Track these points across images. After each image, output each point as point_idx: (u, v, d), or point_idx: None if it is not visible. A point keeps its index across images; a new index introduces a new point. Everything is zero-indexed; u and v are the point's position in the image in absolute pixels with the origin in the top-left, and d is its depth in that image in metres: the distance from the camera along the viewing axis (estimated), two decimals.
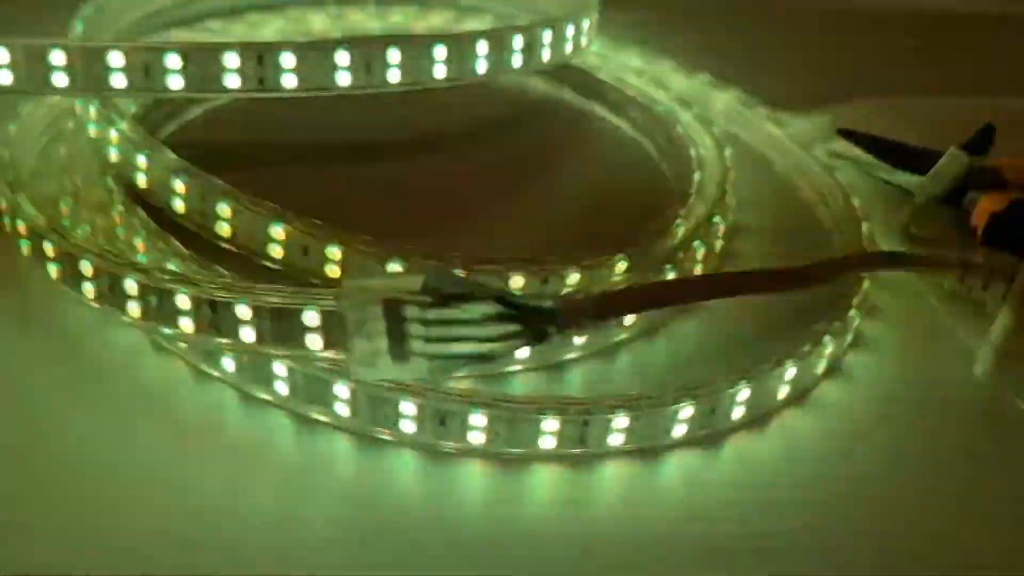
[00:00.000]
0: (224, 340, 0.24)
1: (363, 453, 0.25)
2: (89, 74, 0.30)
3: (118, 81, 0.30)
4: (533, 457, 0.25)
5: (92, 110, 0.32)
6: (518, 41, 0.36)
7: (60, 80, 0.30)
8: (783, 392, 0.27)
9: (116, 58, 0.30)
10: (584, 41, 0.40)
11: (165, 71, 0.30)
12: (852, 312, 0.29)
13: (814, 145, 0.39)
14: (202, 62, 0.31)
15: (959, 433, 0.27)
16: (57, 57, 0.30)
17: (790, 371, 0.27)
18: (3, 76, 0.30)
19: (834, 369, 0.29)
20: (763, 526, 0.24)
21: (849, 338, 0.30)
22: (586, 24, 0.40)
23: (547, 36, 0.37)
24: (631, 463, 0.25)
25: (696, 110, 0.41)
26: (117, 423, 0.25)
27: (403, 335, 0.22)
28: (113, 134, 0.31)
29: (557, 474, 0.25)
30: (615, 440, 0.25)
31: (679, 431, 0.25)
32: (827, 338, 0.28)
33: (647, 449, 0.25)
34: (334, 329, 0.23)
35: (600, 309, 0.24)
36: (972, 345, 0.29)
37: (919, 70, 0.50)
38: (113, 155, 0.31)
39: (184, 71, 0.30)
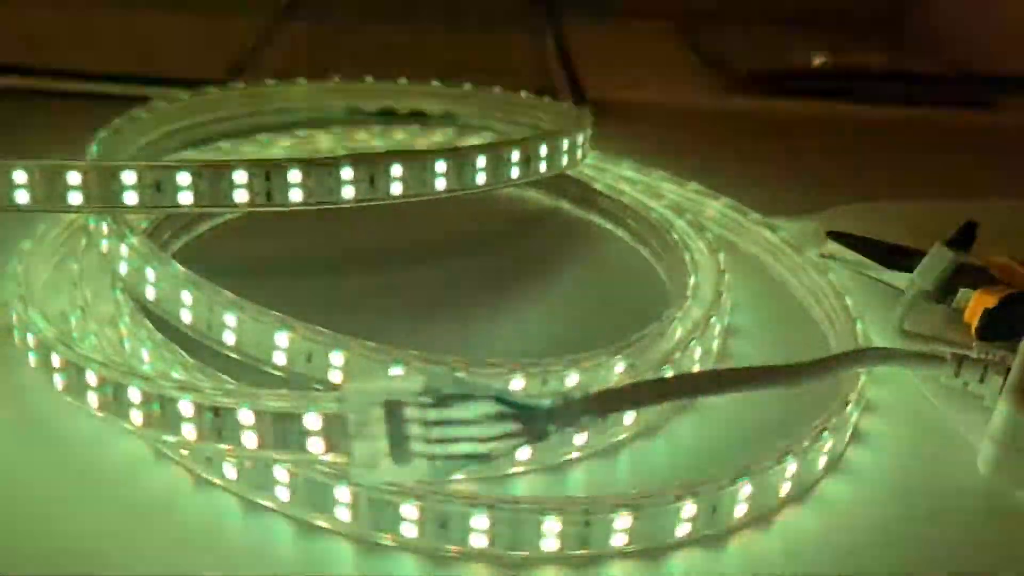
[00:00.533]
0: (226, 446, 0.24)
1: (364, 558, 0.24)
2: (103, 192, 0.31)
3: (130, 198, 0.31)
4: (536, 560, 0.25)
5: (104, 226, 0.33)
6: (515, 155, 0.38)
7: (75, 198, 0.31)
8: (785, 489, 0.27)
9: (129, 176, 0.31)
10: (579, 154, 0.42)
11: (176, 188, 0.32)
12: (849, 408, 0.29)
13: (805, 248, 0.40)
14: (212, 179, 0.32)
15: (963, 527, 0.27)
16: (73, 177, 0.31)
17: (791, 467, 0.27)
18: (21, 196, 0.31)
19: (834, 465, 0.29)
20: None
21: (848, 434, 0.30)
22: (580, 138, 0.42)
23: (543, 149, 0.39)
24: (635, 564, 0.25)
25: (689, 217, 0.42)
26: (117, 532, 0.25)
27: (404, 436, 0.22)
28: (124, 249, 0.32)
29: None
30: (618, 541, 0.25)
31: (683, 530, 0.25)
32: (826, 434, 0.28)
33: (651, 549, 0.25)
34: (335, 432, 0.23)
35: (599, 406, 0.24)
36: (972, 439, 0.29)
37: (898, 175, 0.52)
38: (123, 269, 0.32)
39: (194, 188, 0.32)
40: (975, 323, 0.35)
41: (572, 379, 0.29)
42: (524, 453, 0.27)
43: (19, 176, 0.31)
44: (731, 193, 0.44)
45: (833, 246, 0.40)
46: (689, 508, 0.25)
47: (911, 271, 0.35)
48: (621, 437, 0.29)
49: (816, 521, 0.27)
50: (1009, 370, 0.29)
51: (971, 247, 0.35)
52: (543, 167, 0.39)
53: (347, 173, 0.33)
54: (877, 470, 0.29)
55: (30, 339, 0.29)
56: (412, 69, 0.53)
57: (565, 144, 0.40)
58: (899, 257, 0.37)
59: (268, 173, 0.32)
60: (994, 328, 0.34)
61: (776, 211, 0.44)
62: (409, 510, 0.24)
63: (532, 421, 0.23)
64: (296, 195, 0.33)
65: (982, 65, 0.69)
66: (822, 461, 0.28)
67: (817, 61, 0.66)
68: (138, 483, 0.26)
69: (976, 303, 0.35)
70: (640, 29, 0.81)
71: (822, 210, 0.45)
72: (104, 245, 0.33)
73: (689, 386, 0.27)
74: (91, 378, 0.26)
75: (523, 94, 0.51)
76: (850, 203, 0.46)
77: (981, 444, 0.29)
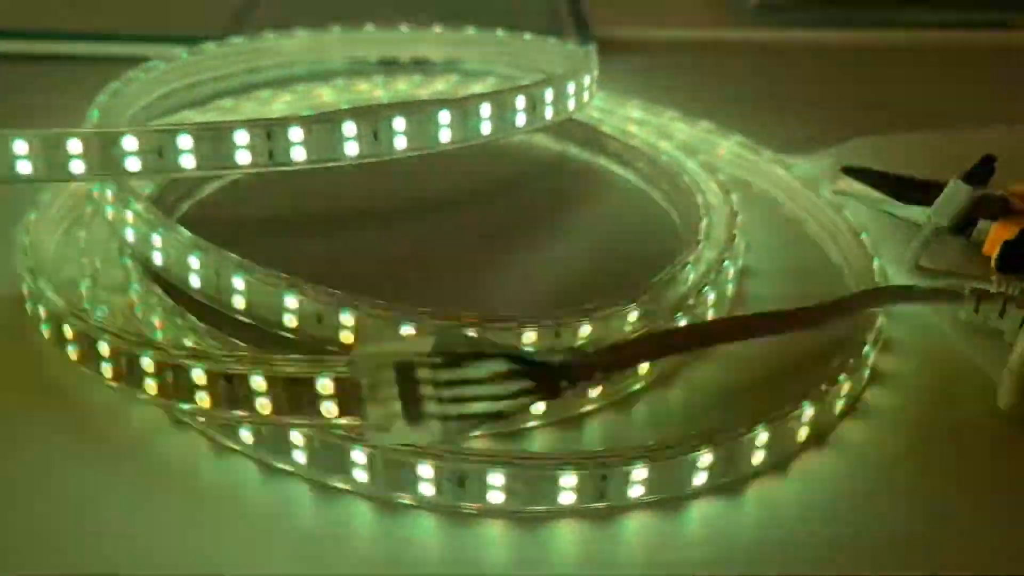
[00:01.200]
0: (240, 412, 0.24)
1: (383, 518, 0.25)
2: (105, 159, 0.31)
3: (133, 164, 0.31)
4: (554, 514, 0.25)
5: (109, 193, 0.32)
6: (520, 101, 0.37)
7: (77, 167, 0.31)
8: (803, 434, 0.27)
9: (130, 142, 0.31)
10: (585, 96, 0.41)
11: (178, 152, 0.31)
12: (867, 348, 0.29)
13: (820, 184, 0.39)
14: (213, 141, 0.31)
15: (985, 466, 0.27)
16: (74, 145, 0.31)
17: (808, 412, 0.26)
18: (23, 166, 0.31)
19: (853, 407, 0.28)
20: (791, 572, 0.23)
21: (866, 375, 0.29)
22: (586, 80, 0.41)
23: (548, 94, 0.38)
24: (653, 515, 0.25)
25: (701, 157, 0.41)
26: (137, 498, 0.25)
27: (416, 398, 0.22)
28: (129, 216, 0.31)
29: (579, 530, 0.24)
30: (635, 492, 0.25)
31: (700, 479, 0.25)
32: (843, 376, 0.27)
33: (669, 500, 0.25)
34: (348, 396, 0.23)
35: (612, 360, 0.24)
36: (992, 375, 0.29)
37: (917, 104, 0.51)
38: (130, 236, 0.32)
39: (196, 151, 0.31)
40: (994, 255, 0.34)
41: (585, 330, 0.28)
42: (539, 408, 0.27)
43: (20, 147, 0.30)
44: (743, 130, 0.43)
45: (847, 182, 0.39)
46: (706, 457, 0.25)
47: (928, 204, 0.35)
48: (636, 387, 0.29)
49: (835, 465, 0.27)
50: None
51: (989, 181, 0.34)
52: (549, 113, 0.38)
53: (349, 129, 0.33)
54: (897, 410, 0.29)
55: (41, 310, 0.29)
56: (413, 14, 0.52)
57: (571, 88, 0.39)
58: (916, 191, 0.37)
59: (269, 132, 0.32)
60: (1014, 260, 0.34)
61: (789, 147, 0.43)
62: (426, 469, 0.24)
63: (545, 378, 0.23)
64: (299, 154, 0.32)
65: None
66: (840, 404, 0.28)
67: None
68: (157, 450, 0.27)
69: (995, 235, 0.34)
70: None
71: (837, 144, 0.44)
72: (109, 212, 0.33)
73: (701, 336, 0.27)
74: (104, 348, 0.26)
75: (527, 36, 0.50)
76: (866, 136, 0.45)
77: (1001, 379, 0.28)
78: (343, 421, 0.23)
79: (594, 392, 0.28)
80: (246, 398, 0.24)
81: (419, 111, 0.34)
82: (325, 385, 0.23)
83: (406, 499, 0.25)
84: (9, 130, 0.30)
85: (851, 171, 0.40)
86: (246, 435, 0.26)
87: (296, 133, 0.32)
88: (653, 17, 0.64)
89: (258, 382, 0.24)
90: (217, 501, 0.25)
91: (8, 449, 0.26)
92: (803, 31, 0.62)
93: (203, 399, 0.24)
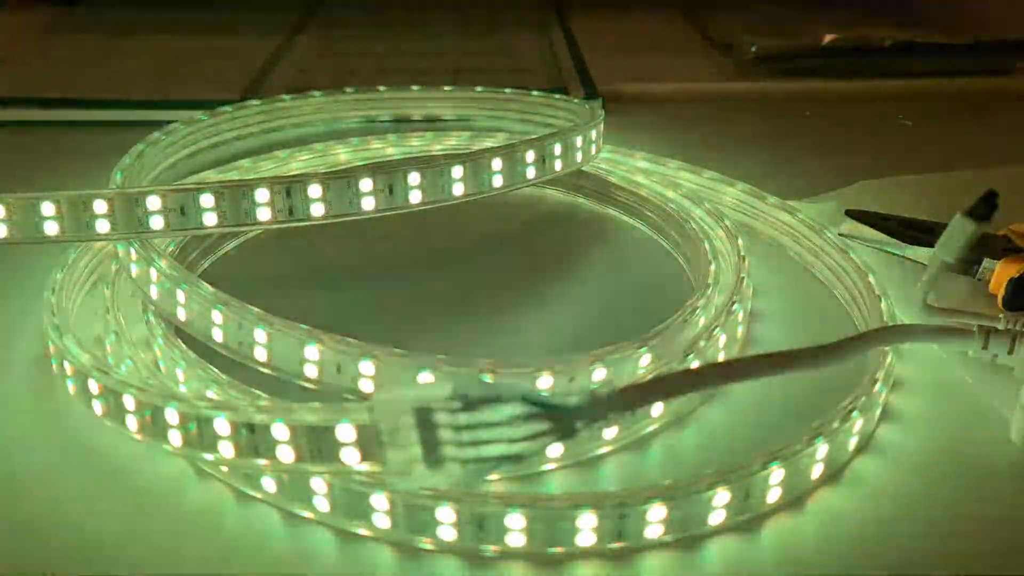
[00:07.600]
0: (263, 461, 0.25)
1: (405, 563, 0.25)
2: (129, 218, 0.32)
3: (156, 223, 0.32)
4: (573, 555, 0.25)
5: (132, 251, 0.33)
6: (530, 155, 0.38)
7: (102, 226, 0.32)
8: (817, 471, 0.27)
9: (153, 202, 0.32)
10: (593, 149, 0.42)
11: (200, 210, 0.32)
12: (878, 386, 0.29)
13: (825, 228, 0.40)
14: (234, 198, 0.33)
15: (1000, 502, 0.27)
16: (99, 205, 0.32)
17: (822, 449, 0.27)
18: (50, 227, 0.32)
19: (866, 444, 0.29)
20: None
21: (878, 412, 0.30)
22: (593, 133, 0.42)
23: (557, 148, 0.39)
24: (672, 554, 0.25)
25: (707, 205, 0.42)
26: (164, 549, 0.25)
27: (436, 442, 0.22)
28: (153, 273, 0.32)
29: (599, 571, 0.25)
30: (653, 532, 0.25)
31: (717, 518, 0.25)
32: (855, 414, 0.28)
33: (686, 539, 0.25)
34: (369, 442, 0.23)
35: (626, 400, 0.24)
36: (1003, 410, 0.29)
37: (918, 148, 0.52)
38: (154, 292, 0.33)
39: (217, 208, 0.32)
40: (1000, 294, 0.35)
41: (599, 374, 0.29)
42: (556, 450, 0.27)
43: (47, 208, 0.32)
44: (747, 177, 0.44)
45: (852, 225, 0.40)
46: (722, 495, 0.25)
47: (932, 245, 0.35)
48: (651, 429, 0.29)
49: (850, 502, 0.27)
50: None
51: (992, 216, 0.34)
52: (558, 165, 0.39)
53: (366, 184, 0.34)
54: (909, 447, 0.29)
55: (67, 367, 0.29)
56: (424, 75, 0.54)
57: (578, 141, 0.40)
58: (919, 231, 0.37)
59: (288, 190, 0.33)
60: (1020, 298, 0.34)
61: (794, 193, 0.44)
62: (446, 513, 0.25)
63: (560, 420, 0.23)
64: (317, 209, 0.33)
65: (999, 32, 0.68)
66: (853, 441, 0.28)
67: (827, 39, 0.65)
68: (182, 501, 0.27)
69: (1000, 273, 0.35)
70: (648, 18, 0.81)
71: (840, 188, 0.45)
72: (133, 270, 0.34)
73: (714, 375, 0.27)
74: (129, 402, 0.26)
75: (534, 93, 0.51)
76: (867, 180, 0.46)
77: (1013, 415, 0.29)
78: (364, 467, 0.24)
79: (610, 433, 0.28)
80: (268, 447, 0.24)
81: (433, 166, 0.35)
82: (346, 432, 0.24)
83: (427, 543, 0.25)
84: (36, 193, 0.31)
85: (855, 214, 0.40)
86: (269, 484, 0.26)
87: (315, 190, 0.33)
88: (656, 73, 0.66)
89: (280, 431, 0.24)
90: (241, 550, 0.25)
91: (36, 504, 0.27)
92: (803, 81, 0.63)
93: (226, 449, 0.25)
